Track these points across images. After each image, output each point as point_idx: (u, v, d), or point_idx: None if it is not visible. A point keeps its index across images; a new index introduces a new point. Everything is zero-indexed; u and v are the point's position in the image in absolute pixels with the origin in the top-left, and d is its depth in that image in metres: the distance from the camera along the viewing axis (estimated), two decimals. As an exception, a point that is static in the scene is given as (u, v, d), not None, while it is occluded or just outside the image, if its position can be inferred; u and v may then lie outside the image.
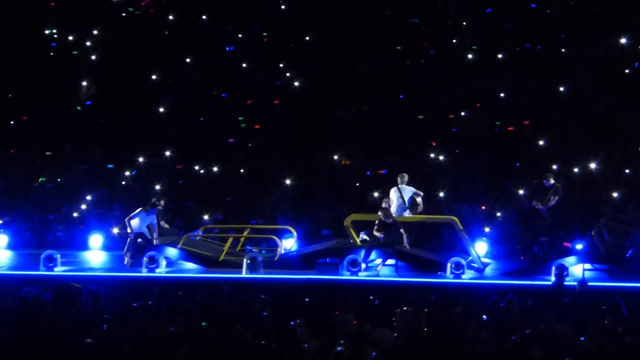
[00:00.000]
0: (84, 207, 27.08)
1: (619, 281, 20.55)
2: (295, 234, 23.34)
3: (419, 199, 22.36)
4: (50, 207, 27.21)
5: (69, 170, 28.70)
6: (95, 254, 24.28)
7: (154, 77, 30.74)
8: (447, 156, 28.83)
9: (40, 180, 28.37)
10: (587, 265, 21.53)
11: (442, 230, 24.57)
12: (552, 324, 13.84)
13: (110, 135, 29.42)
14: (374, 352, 12.48)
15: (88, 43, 31.20)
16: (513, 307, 15.21)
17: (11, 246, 24.87)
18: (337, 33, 31.14)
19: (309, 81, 30.62)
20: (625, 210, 24.66)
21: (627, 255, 21.51)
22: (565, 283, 18.19)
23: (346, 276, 20.89)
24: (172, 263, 22.16)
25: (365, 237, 21.89)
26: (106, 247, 24.73)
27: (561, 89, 29.72)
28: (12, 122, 30.22)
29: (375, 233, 21.61)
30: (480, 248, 22.97)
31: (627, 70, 29.81)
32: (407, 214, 22.14)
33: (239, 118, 30.27)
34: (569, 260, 21.31)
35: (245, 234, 23.44)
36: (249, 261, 21.07)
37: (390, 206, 22.08)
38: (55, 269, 21.28)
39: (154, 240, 21.86)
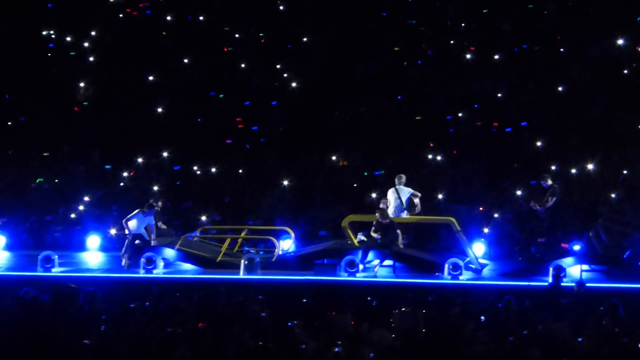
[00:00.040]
0: (81, 208, 27.06)
1: (617, 282, 20.55)
2: (292, 234, 23.34)
3: (416, 200, 22.34)
4: (47, 208, 27.18)
5: (66, 171, 28.68)
6: (92, 255, 24.25)
7: (151, 78, 30.75)
8: (444, 157, 28.82)
9: (37, 181, 28.35)
10: (585, 266, 21.54)
11: (440, 231, 24.59)
12: (549, 325, 13.84)
13: (108, 136, 29.39)
14: (372, 353, 12.48)
15: (86, 44, 31.22)
16: (511, 308, 15.21)
17: (9, 247, 24.83)
18: (334, 34, 31.18)
19: (306, 82, 30.64)
20: (622, 211, 24.65)
21: (625, 256, 21.50)
22: (563, 284, 18.19)
23: (344, 277, 20.88)
24: (169, 264, 22.17)
25: (362, 238, 21.88)
26: (104, 248, 24.70)
27: (559, 89, 29.76)
28: (9, 123, 30.20)
29: (373, 234, 21.62)
30: (478, 249, 22.98)
31: (625, 71, 29.83)
32: (404, 214, 22.13)
33: (237, 119, 30.27)
34: (567, 261, 21.33)
35: (242, 234, 23.45)
36: (246, 262, 21.05)
37: (387, 207, 22.09)
38: (53, 270, 21.26)
39: (152, 242, 21.85)
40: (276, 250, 22.47)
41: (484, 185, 27.62)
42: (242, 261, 21.12)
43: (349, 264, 21.03)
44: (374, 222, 21.64)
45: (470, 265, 21.58)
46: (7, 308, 14.96)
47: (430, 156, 28.88)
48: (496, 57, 30.60)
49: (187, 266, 22.17)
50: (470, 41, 30.88)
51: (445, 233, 24.09)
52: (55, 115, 29.83)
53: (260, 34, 31.63)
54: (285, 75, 30.81)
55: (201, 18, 31.79)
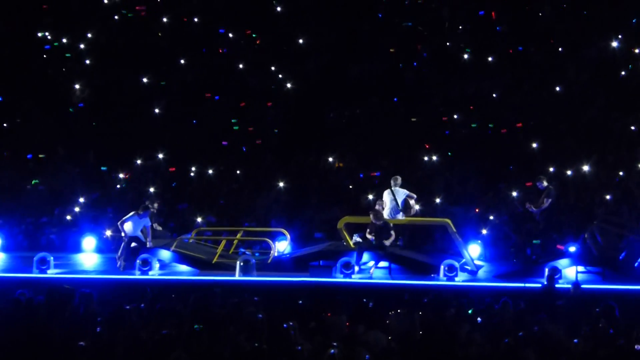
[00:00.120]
0: (77, 209, 27.02)
1: (612, 284, 20.57)
2: (288, 236, 23.30)
3: (412, 202, 22.35)
4: (43, 210, 27.12)
5: (62, 172, 28.62)
6: (88, 257, 24.22)
7: (147, 79, 30.71)
8: (440, 158, 28.83)
9: (33, 182, 28.30)
10: (580, 268, 21.56)
11: (436, 232, 24.58)
12: (545, 327, 13.84)
13: (104, 138, 29.37)
14: (367, 354, 12.47)
15: (81, 45, 31.16)
16: (507, 309, 15.21)
17: (4, 249, 24.75)
18: (330, 35, 31.16)
19: (302, 83, 30.63)
20: (618, 213, 24.68)
21: (620, 257, 21.52)
22: (558, 285, 18.20)
23: (339, 278, 20.89)
24: (165, 265, 22.14)
25: (358, 239, 21.87)
26: (99, 250, 24.66)
27: (555, 90, 29.78)
28: (5, 125, 30.18)
29: (368, 235, 21.61)
30: (474, 250, 22.97)
31: (623, 72, 29.86)
32: (400, 216, 22.12)
33: (232, 120, 30.27)
34: (562, 263, 21.34)
35: (238, 236, 23.42)
36: (242, 264, 21.04)
37: (384, 209, 22.09)
38: (48, 271, 21.26)
39: (148, 243, 21.82)
40: (272, 252, 22.44)
41: (480, 186, 27.60)
42: (238, 263, 21.09)
43: (344, 265, 21.03)
44: (369, 224, 21.63)
45: (466, 267, 21.58)
46: (3, 310, 14.92)
47: (425, 158, 28.87)
48: (492, 58, 30.60)
49: (183, 268, 22.15)
50: (466, 43, 30.89)
51: (440, 234, 24.09)
52: (50, 117, 29.81)
53: (253, 35, 31.58)
54: (280, 76, 30.81)
55: (196, 19, 31.76)
